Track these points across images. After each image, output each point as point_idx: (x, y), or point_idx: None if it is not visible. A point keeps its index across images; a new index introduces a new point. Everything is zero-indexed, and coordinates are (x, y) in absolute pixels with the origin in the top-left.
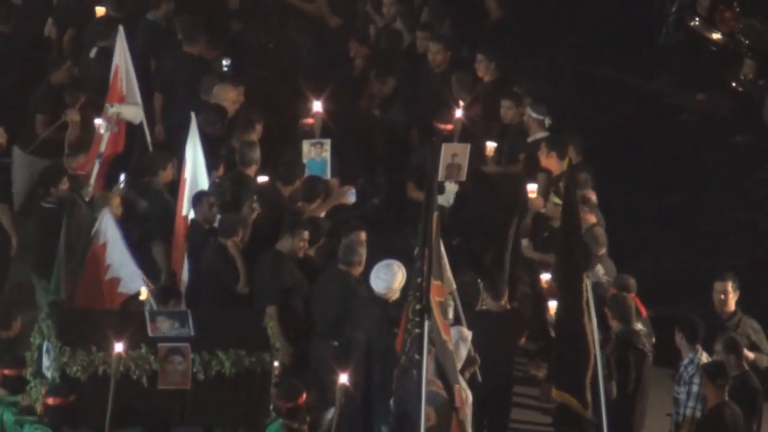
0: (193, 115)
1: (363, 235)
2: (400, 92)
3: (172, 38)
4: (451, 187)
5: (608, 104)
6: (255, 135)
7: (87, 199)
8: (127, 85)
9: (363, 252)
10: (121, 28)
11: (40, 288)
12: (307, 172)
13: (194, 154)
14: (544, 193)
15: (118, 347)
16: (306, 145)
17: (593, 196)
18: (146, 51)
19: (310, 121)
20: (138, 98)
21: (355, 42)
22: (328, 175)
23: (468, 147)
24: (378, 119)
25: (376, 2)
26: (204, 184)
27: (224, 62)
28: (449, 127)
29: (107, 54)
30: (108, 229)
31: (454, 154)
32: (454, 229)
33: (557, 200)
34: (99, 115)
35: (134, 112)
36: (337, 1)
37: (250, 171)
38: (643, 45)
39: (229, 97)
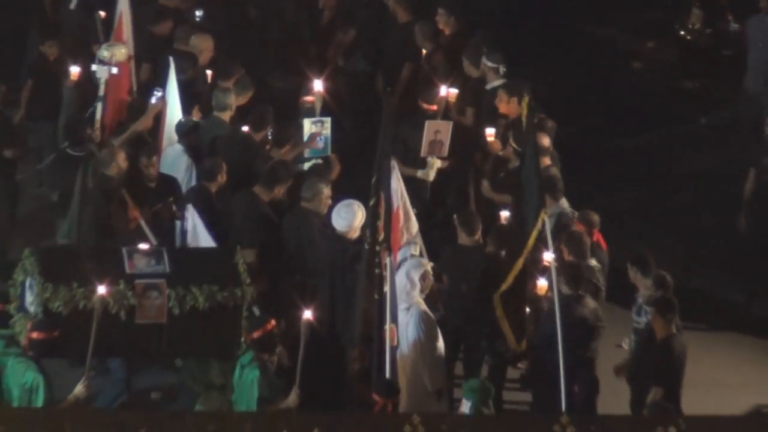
0: (171, 60)
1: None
2: (362, 42)
3: None
4: (435, 162)
5: (562, 51)
6: (230, 82)
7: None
8: (126, 31)
9: (325, 191)
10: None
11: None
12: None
13: (172, 96)
14: (502, 137)
15: (101, 290)
16: (307, 123)
17: (546, 141)
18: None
19: (310, 98)
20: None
21: None
22: (329, 152)
23: (450, 124)
24: (340, 68)
25: None
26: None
27: (197, 12)
28: (434, 107)
29: (87, 4)
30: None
31: (437, 131)
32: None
33: (514, 144)
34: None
35: (124, 53)
36: None
37: (225, 116)
38: None
39: (205, 46)
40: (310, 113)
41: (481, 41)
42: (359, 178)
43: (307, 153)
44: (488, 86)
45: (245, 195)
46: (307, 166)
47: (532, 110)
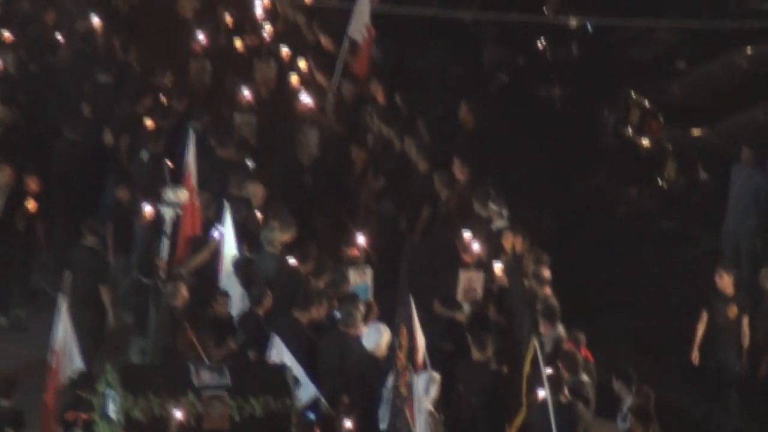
0: (226, 203)
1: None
2: (390, 188)
3: (208, 143)
4: (467, 307)
5: (558, 195)
6: (278, 222)
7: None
8: (193, 179)
9: (360, 316)
10: (191, 134)
11: (136, 346)
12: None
13: (229, 235)
14: (507, 269)
15: (178, 414)
16: (352, 274)
17: (546, 272)
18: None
19: (354, 252)
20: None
21: (355, 146)
22: (371, 297)
23: (482, 275)
24: (372, 209)
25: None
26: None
27: (249, 163)
28: (468, 258)
29: (155, 157)
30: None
31: (470, 279)
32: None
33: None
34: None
35: (187, 195)
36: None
37: (274, 250)
38: (586, 147)
39: (257, 193)
40: (354, 263)
41: (487, 187)
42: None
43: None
44: (493, 226)
45: (286, 317)
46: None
47: (528, 247)
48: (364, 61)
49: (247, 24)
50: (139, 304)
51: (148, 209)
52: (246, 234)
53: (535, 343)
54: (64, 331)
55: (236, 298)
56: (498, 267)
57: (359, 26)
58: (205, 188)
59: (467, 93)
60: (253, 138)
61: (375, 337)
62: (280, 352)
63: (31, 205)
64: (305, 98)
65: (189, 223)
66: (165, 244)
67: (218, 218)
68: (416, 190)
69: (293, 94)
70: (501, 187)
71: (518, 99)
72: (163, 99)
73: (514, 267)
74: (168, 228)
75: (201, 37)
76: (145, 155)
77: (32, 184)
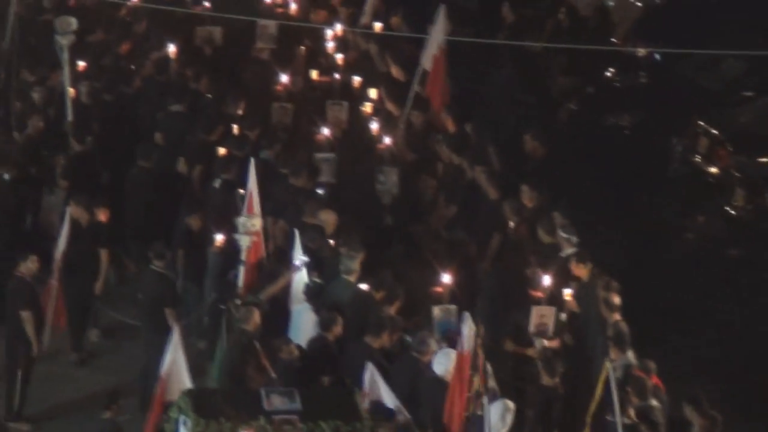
0: (296, 232)
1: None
2: (461, 216)
3: (279, 172)
4: (539, 343)
5: (623, 223)
6: (353, 250)
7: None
8: (256, 205)
9: (433, 343)
10: (252, 161)
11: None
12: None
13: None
14: (576, 296)
15: None
16: (436, 310)
17: (617, 298)
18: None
19: (439, 289)
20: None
21: (426, 175)
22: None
23: (554, 310)
24: (443, 237)
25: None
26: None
27: (320, 191)
28: (540, 294)
29: (228, 184)
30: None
31: (542, 315)
32: None
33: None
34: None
35: (260, 223)
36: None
37: (352, 278)
38: (654, 175)
39: (330, 221)
40: (439, 301)
41: (556, 214)
42: None
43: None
44: (563, 254)
45: (358, 344)
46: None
47: (597, 274)
48: (436, 90)
49: (320, 57)
50: (213, 329)
51: (219, 237)
52: (318, 261)
53: (608, 366)
54: (173, 354)
55: (306, 324)
56: (568, 294)
57: (431, 55)
58: (276, 216)
59: (536, 121)
60: (333, 176)
61: (445, 362)
62: (374, 380)
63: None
64: (384, 138)
65: (255, 249)
66: (241, 272)
67: (290, 246)
68: (486, 218)
69: (370, 133)
70: (570, 215)
71: (586, 127)
72: (235, 128)
73: (583, 294)
74: (244, 256)
75: (283, 78)
76: (217, 183)
77: (102, 215)
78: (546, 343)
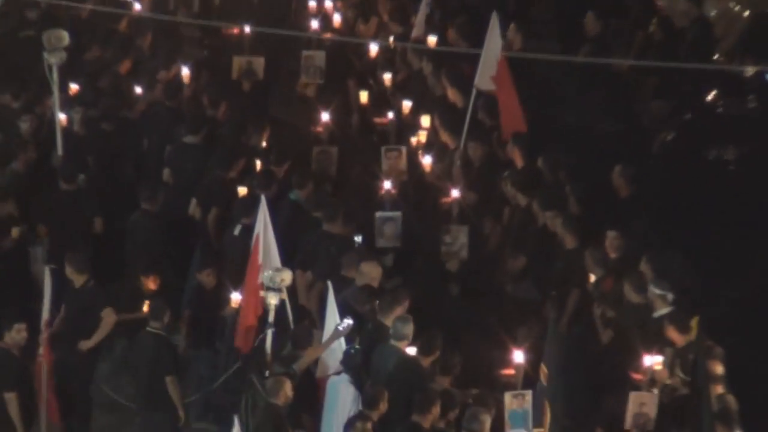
0: (330, 286)
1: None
2: (531, 268)
3: (311, 217)
4: None
5: (729, 275)
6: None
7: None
8: (264, 253)
9: (487, 420)
10: (263, 199)
11: None
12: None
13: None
14: (670, 366)
15: None
16: (508, 397)
17: (719, 368)
18: (289, 229)
19: (511, 372)
20: (278, 264)
21: (490, 219)
22: (530, 426)
23: (656, 396)
24: (510, 296)
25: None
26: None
27: (356, 238)
28: (639, 376)
29: (250, 231)
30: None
31: (642, 403)
32: None
33: (680, 373)
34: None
35: (290, 278)
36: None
37: (402, 345)
38: (765, 216)
39: (373, 274)
40: (511, 386)
41: (647, 266)
42: None
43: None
44: (656, 314)
45: (405, 424)
46: None
47: (700, 338)
48: (507, 116)
49: (369, 79)
50: (229, 408)
51: (235, 297)
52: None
53: None
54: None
55: (345, 399)
56: (658, 363)
57: (487, 74)
58: (305, 268)
59: (623, 154)
60: (397, 239)
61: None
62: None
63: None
64: (453, 191)
65: (251, 307)
66: (269, 338)
67: (322, 304)
68: (562, 270)
69: (431, 182)
70: (664, 266)
71: (684, 161)
72: (258, 163)
73: (679, 363)
74: (272, 317)
75: (325, 116)
76: (237, 230)
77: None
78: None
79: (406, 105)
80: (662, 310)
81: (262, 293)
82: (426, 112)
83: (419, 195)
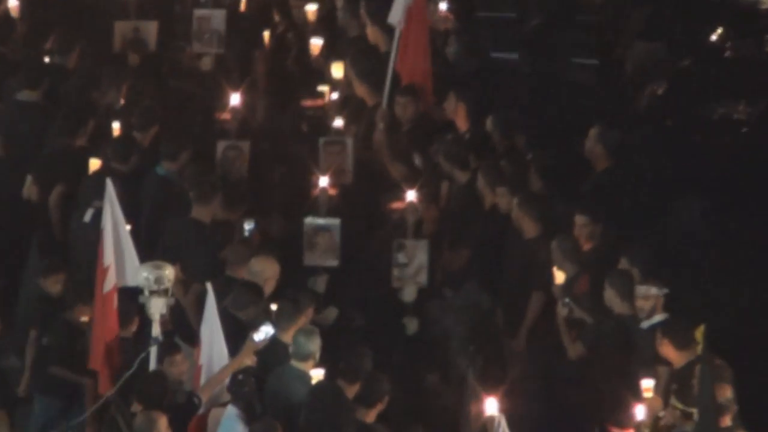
0: (209, 288)
1: None
2: (477, 266)
3: (186, 198)
4: None
5: (740, 278)
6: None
7: None
8: (116, 254)
9: None
10: (109, 184)
11: None
12: None
13: (211, 337)
14: (663, 392)
15: None
16: None
17: (728, 392)
18: (155, 214)
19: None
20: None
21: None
22: None
23: None
24: (447, 302)
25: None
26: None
27: (246, 226)
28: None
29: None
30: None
31: None
32: None
33: (678, 404)
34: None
35: (172, 274)
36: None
37: (306, 367)
38: None
39: (268, 272)
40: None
41: (631, 261)
42: None
43: None
44: (645, 324)
45: None
46: None
47: (706, 356)
48: (415, 62)
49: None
50: None
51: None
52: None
53: None
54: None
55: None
56: (646, 389)
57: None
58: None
59: (600, 113)
60: (335, 256)
61: None
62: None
63: None
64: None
65: (107, 316)
66: (152, 356)
67: (198, 311)
68: (520, 268)
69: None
70: (653, 263)
71: (680, 121)
72: (116, 127)
73: (677, 388)
74: (156, 330)
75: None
76: (88, 215)
77: None
78: None
79: (315, 45)
80: (654, 318)
81: (141, 299)
82: (338, 58)
83: (361, 197)
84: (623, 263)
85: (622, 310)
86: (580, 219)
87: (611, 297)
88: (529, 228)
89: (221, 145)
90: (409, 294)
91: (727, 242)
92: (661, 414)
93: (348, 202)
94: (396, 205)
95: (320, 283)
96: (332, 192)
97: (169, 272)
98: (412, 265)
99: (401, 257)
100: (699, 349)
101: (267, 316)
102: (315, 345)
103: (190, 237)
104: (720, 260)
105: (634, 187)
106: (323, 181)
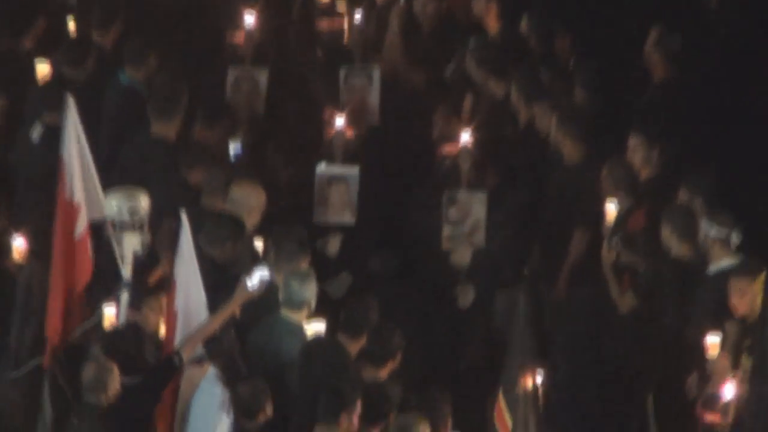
0: (184, 220)
1: None
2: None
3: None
4: None
5: None
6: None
7: None
8: (83, 184)
9: None
10: (69, 99)
11: None
12: None
13: (187, 277)
14: (734, 348)
15: None
16: None
17: None
18: (117, 128)
19: None
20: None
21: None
22: None
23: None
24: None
25: None
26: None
27: (231, 148)
28: (716, 417)
29: (56, 134)
30: None
31: None
32: None
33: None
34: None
35: (142, 202)
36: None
37: (300, 316)
38: None
39: (253, 201)
40: None
41: (695, 197)
42: None
43: None
44: (712, 268)
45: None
46: None
47: None
48: None
49: None
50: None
51: (19, 243)
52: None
53: None
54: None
55: (206, 400)
56: (712, 344)
57: None
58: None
59: (661, 14)
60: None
61: None
62: None
63: None
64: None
65: (81, 264)
66: (124, 302)
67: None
68: (560, 198)
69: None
70: (723, 195)
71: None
72: (71, 23)
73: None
74: (128, 271)
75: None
76: (36, 132)
77: None
78: None
79: None
80: (722, 261)
81: (110, 233)
82: None
83: (393, 139)
84: (683, 194)
85: (681, 252)
86: (633, 140)
87: (668, 235)
88: (572, 151)
89: (232, 73)
90: (462, 256)
91: None
92: (732, 376)
93: (372, 145)
94: (447, 148)
95: (332, 246)
96: (350, 134)
97: (145, 201)
98: (467, 221)
99: (453, 213)
100: (759, 300)
101: (248, 256)
102: (310, 291)
103: (153, 159)
104: None
105: (698, 103)
106: (340, 121)
